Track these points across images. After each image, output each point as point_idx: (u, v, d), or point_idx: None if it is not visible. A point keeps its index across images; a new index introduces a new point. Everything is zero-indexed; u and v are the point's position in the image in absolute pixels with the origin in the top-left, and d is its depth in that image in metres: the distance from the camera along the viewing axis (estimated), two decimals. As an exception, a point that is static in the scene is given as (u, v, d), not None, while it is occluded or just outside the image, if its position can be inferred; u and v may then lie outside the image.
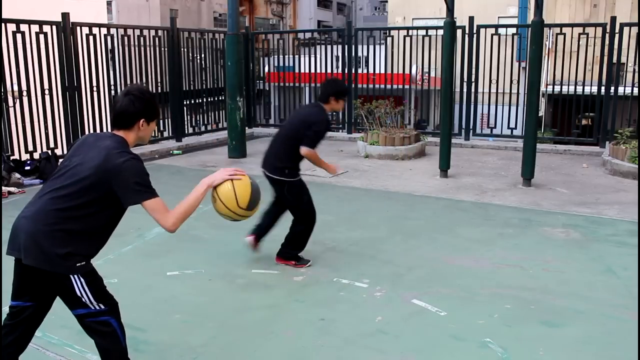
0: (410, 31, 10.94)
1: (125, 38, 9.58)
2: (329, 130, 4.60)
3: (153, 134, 10.29)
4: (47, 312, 2.67)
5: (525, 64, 10.27)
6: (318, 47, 13.12)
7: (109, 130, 8.43)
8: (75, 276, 2.45)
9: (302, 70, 12.41)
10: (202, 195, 2.62)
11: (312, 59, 12.07)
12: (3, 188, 6.81)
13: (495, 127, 10.48)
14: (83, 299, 2.48)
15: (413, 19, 22.44)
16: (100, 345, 2.61)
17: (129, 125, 2.58)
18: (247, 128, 10.61)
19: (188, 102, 11.06)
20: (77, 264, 2.45)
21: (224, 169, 2.74)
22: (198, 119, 11.43)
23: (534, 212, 6.17)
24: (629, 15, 14.06)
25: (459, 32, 9.76)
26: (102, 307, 2.53)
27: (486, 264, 4.67)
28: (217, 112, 11.77)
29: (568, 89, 10.12)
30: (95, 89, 8.97)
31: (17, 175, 7.42)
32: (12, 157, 7.72)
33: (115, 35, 9.52)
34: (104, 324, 2.55)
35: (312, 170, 7.75)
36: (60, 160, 8.02)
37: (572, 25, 10.83)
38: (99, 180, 2.43)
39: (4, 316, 2.66)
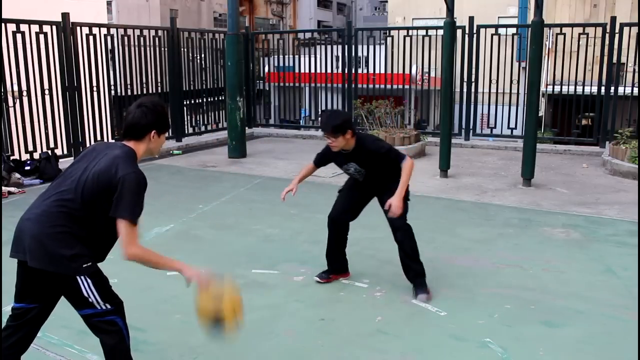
0: (410, 31, 10.93)
1: (125, 38, 9.58)
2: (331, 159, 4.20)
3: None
4: (51, 312, 2.68)
5: (525, 64, 10.27)
6: (318, 47, 13.13)
7: (110, 131, 8.40)
8: (82, 277, 2.46)
9: (302, 70, 12.41)
10: (169, 266, 2.66)
11: (312, 59, 12.07)
12: (3, 188, 6.80)
13: (495, 127, 10.48)
14: (90, 299, 2.49)
15: (413, 19, 22.44)
16: (106, 344, 2.61)
17: (140, 136, 2.60)
18: (247, 128, 10.62)
19: (188, 102, 11.07)
20: (84, 265, 2.46)
21: (202, 273, 2.66)
22: (198, 119, 11.43)
23: (534, 212, 6.17)
24: (629, 15, 14.07)
25: (459, 32, 9.76)
26: (109, 306, 2.54)
27: (486, 264, 4.67)
28: (217, 112, 11.78)
29: (568, 89, 10.12)
30: (95, 89, 8.97)
31: (17, 175, 7.43)
32: (12, 157, 7.72)
33: (115, 35, 9.52)
34: (110, 324, 2.56)
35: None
36: (60, 160, 8.10)
37: (572, 25, 10.83)
38: (102, 186, 2.44)
39: (4, 316, 2.66)
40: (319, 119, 12.93)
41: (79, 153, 2.71)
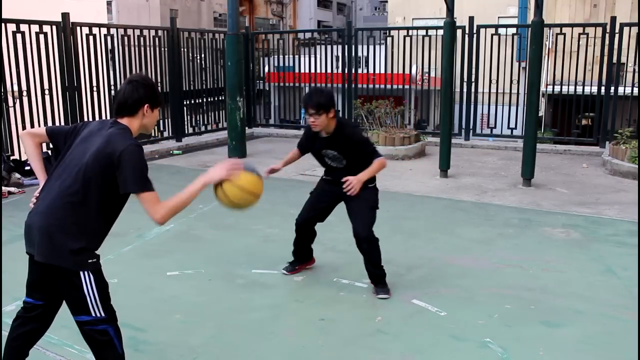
0: (410, 31, 10.94)
1: (125, 38, 9.58)
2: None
3: (153, 134, 10.35)
4: (56, 313, 2.71)
5: (525, 64, 10.27)
6: (318, 47, 13.12)
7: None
8: (86, 272, 2.46)
9: (302, 70, 12.40)
10: (197, 192, 2.57)
11: (312, 59, 12.07)
12: (3, 188, 6.81)
13: (495, 127, 10.48)
14: (88, 299, 2.48)
15: (413, 19, 22.44)
16: (96, 353, 2.63)
17: (133, 111, 2.60)
18: (247, 128, 10.61)
19: (188, 102, 11.07)
20: (89, 260, 2.47)
21: (221, 164, 2.67)
22: (198, 119, 11.43)
23: (534, 212, 6.17)
24: (629, 15, 14.06)
25: (459, 32, 9.76)
26: (103, 314, 2.53)
27: (486, 264, 4.67)
28: (217, 112, 11.78)
29: (568, 89, 10.12)
30: (95, 89, 8.98)
31: (17, 175, 7.43)
32: (12, 157, 7.73)
33: (115, 35, 9.52)
34: (102, 333, 2.56)
35: (312, 170, 7.75)
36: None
37: (572, 25, 10.83)
38: (102, 166, 2.45)
39: (5, 315, 2.67)
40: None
41: (72, 132, 2.71)
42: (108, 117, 9.34)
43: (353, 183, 3.78)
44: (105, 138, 2.49)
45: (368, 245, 3.97)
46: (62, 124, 8.50)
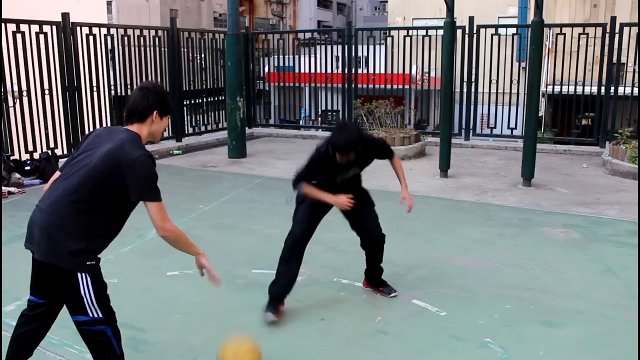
0: (410, 31, 10.93)
1: (125, 38, 9.58)
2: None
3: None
4: (58, 312, 2.71)
5: (525, 64, 10.27)
6: (318, 47, 13.12)
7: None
8: (83, 274, 2.46)
9: (302, 70, 12.41)
10: (193, 252, 2.80)
11: (312, 59, 12.07)
12: (3, 188, 6.80)
13: (495, 127, 10.47)
14: (85, 300, 2.48)
15: (413, 19, 22.43)
16: (94, 353, 2.63)
17: (142, 118, 2.62)
18: (247, 128, 10.62)
19: (188, 102, 11.07)
20: (87, 262, 2.47)
21: (217, 278, 2.88)
22: (198, 119, 11.43)
23: (534, 212, 6.17)
24: (629, 15, 14.06)
25: (459, 32, 9.75)
26: (100, 315, 2.53)
27: (486, 264, 4.67)
28: (217, 112, 11.78)
29: (568, 89, 10.12)
30: (95, 89, 8.97)
31: (17, 175, 7.42)
32: (12, 157, 7.72)
33: (115, 35, 9.52)
34: (99, 333, 2.56)
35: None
36: (61, 160, 8.09)
37: (572, 25, 10.83)
38: (111, 169, 2.45)
39: (6, 315, 2.67)
40: (319, 118, 12.95)
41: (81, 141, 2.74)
42: (108, 117, 9.34)
43: (409, 200, 4.04)
44: (118, 143, 2.50)
45: (383, 243, 3.99)
46: (62, 124, 8.51)
